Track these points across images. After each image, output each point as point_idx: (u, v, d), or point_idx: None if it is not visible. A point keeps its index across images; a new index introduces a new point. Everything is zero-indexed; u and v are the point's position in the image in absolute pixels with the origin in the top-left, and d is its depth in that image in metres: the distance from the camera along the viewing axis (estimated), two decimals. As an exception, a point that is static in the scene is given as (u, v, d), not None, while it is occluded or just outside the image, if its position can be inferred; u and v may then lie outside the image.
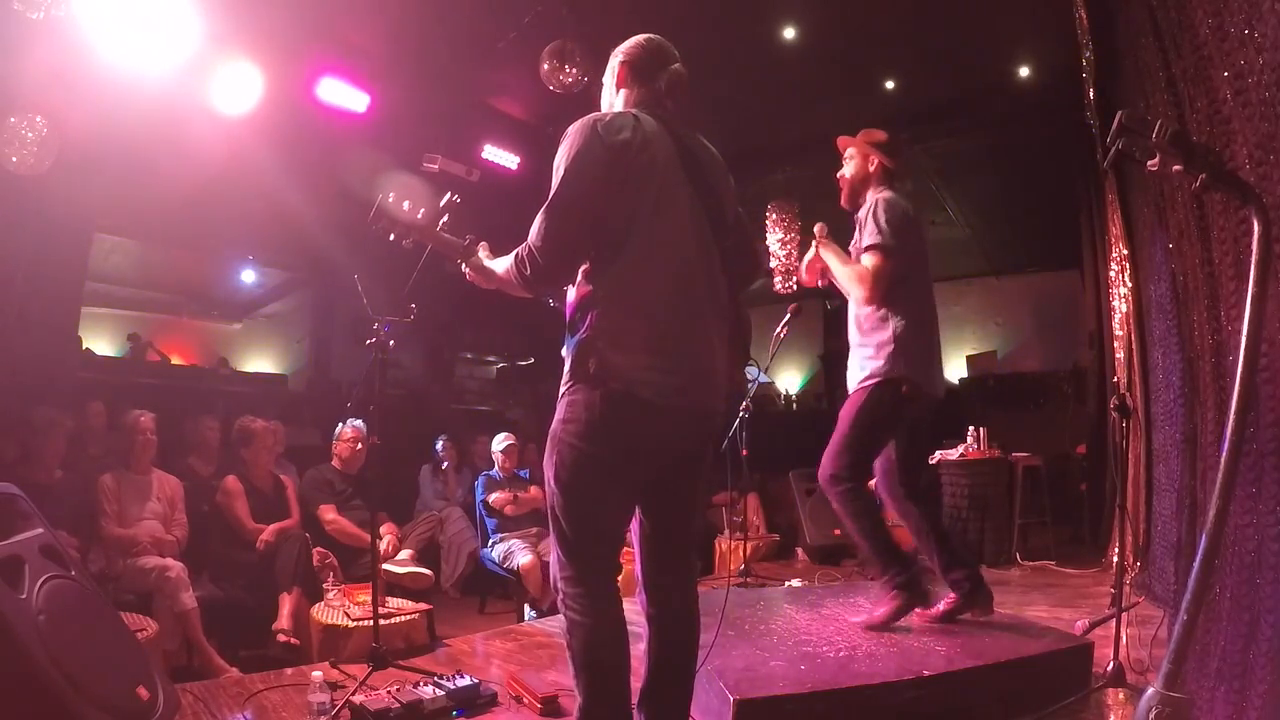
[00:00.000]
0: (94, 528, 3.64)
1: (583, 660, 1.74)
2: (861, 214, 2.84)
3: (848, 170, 2.97)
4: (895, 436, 2.86)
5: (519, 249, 1.82)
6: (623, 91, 1.97)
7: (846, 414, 2.82)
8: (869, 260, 2.74)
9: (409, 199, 2.19)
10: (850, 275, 2.81)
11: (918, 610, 2.80)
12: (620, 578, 1.90)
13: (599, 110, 1.98)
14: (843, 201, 2.99)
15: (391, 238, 2.18)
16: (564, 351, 1.82)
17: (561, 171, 1.76)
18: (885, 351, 2.75)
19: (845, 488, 2.76)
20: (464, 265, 2.10)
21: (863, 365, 2.83)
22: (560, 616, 1.80)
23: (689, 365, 1.77)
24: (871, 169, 2.91)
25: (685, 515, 1.97)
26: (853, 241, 2.92)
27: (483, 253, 2.09)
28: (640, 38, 1.99)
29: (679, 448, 1.84)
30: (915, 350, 2.75)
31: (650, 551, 1.91)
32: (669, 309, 1.76)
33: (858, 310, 2.88)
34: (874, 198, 2.82)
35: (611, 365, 1.71)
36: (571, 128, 1.80)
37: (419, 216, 2.18)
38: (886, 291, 2.73)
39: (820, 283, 3.02)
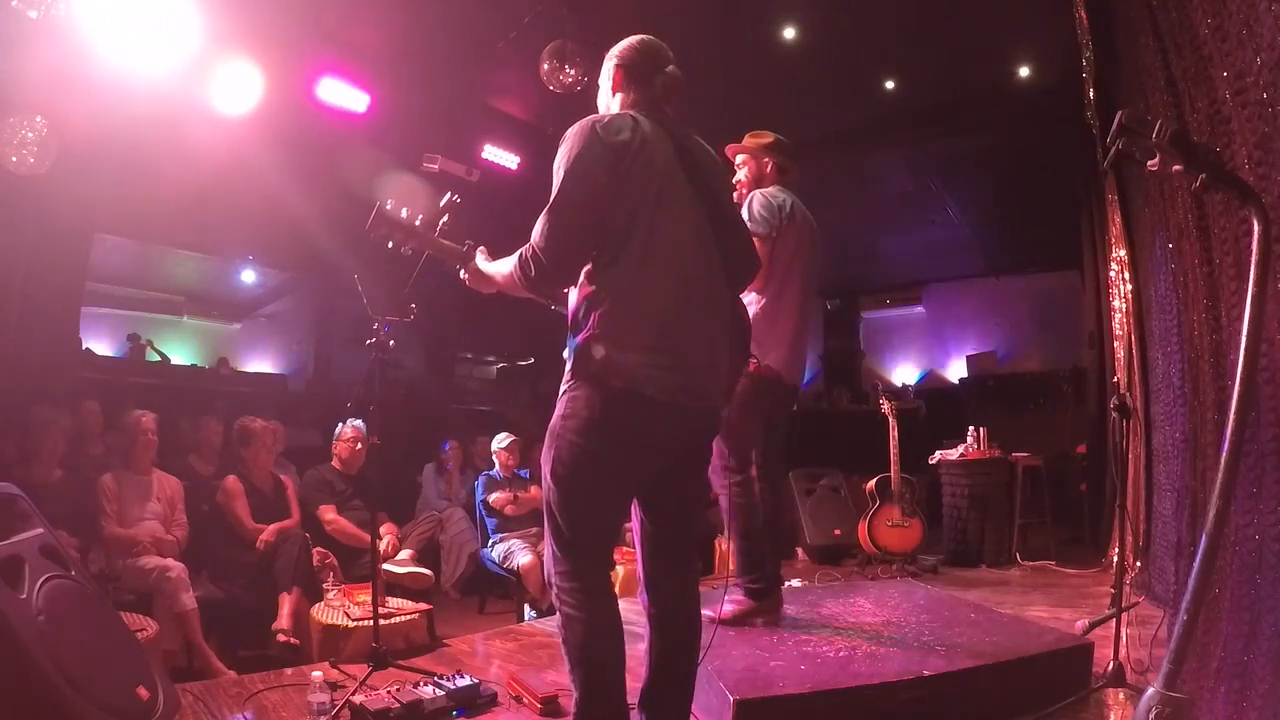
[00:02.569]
0: (94, 528, 3.64)
1: (578, 655, 1.74)
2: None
3: (742, 175, 3.06)
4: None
5: (522, 250, 1.82)
6: (619, 95, 1.98)
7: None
8: None
9: (407, 205, 2.18)
10: None
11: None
12: (621, 578, 1.90)
13: (597, 111, 1.99)
14: (739, 199, 3.01)
15: (390, 245, 2.18)
16: (566, 352, 1.83)
17: (562, 173, 1.76)
18: None
19: (735, 480, 2.81)
20: (463, 271, 2.10)
21: None
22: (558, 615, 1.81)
23: (691, 363, 1.78)
24: (767, 170, 3.04)
25: (686, 514, 1.97)
26: None
27: (481, 258, 2.09)
28: (633, 39, 2.00)
29: (680, 446, 1.85)
30: (769, 336, 2.78)
31: (652, 550, 1.92)
32: (671, 308, 1.77)
33: None
34: (751, 194, 2.92)
35: (615, 363, 1.71)
36: (571, 130, 1.81)
37: (418, 222, 2.17)
38: (768, 274, 2.77)
39: None
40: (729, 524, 2.87)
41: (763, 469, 2.95)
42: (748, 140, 3.08)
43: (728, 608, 2.78)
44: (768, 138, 3.06)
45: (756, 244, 2.63)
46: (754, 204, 2.86)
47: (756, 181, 3.03)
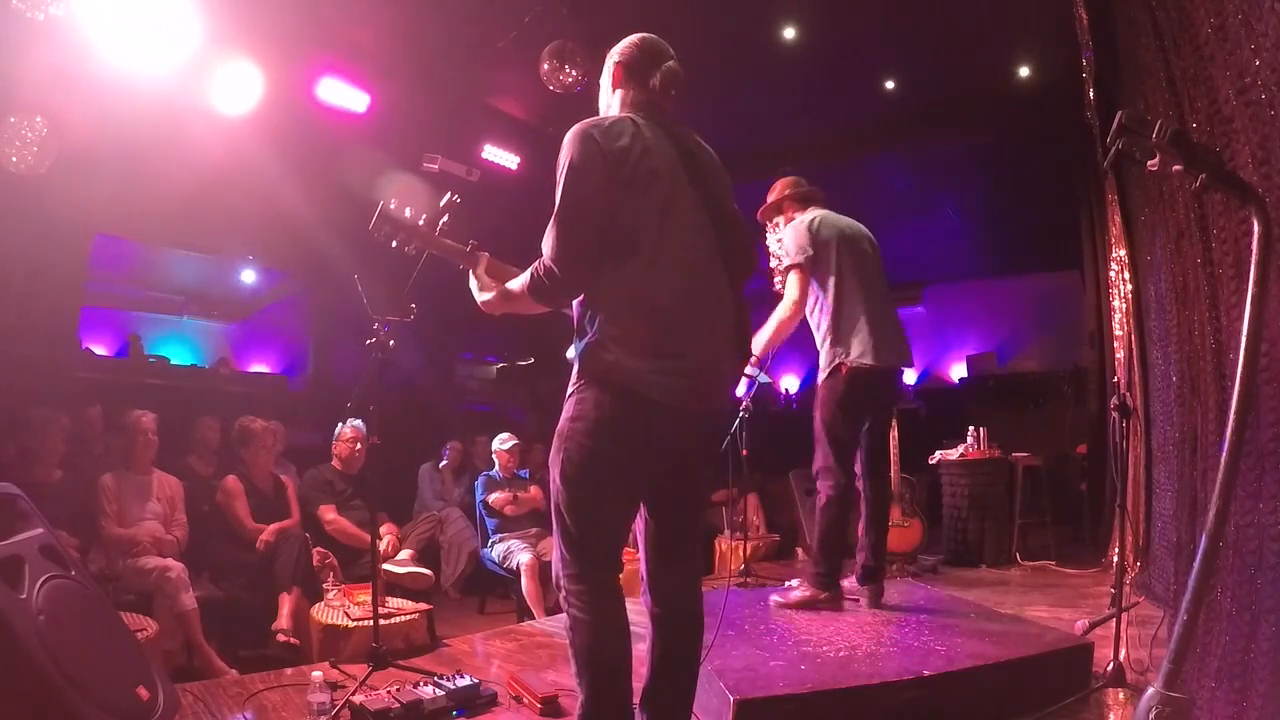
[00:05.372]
0: (94, 528, 3.63)
1: (585, 658, 1.74)
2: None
3: (781, 230, 3.33)
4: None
5: (534, 266, 1.82)
6: (619, 92, 1.97)
7: (816, 410, 3.15)
8: (790, 279, 3.11)
9: (410, 205, 2.18)
10: (777, 315, 3.11)
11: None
12: (622, 577, 1.90)
13: (599, 112, 1.98)
14: None
15: (394, 244, 2.18)
16: (570, 354, 1.83)
17: (563, 182, 1.76)
18: (828, 343, 3.11)
19: (837, 483, 3.07)
20: (477, 293, 2.08)
21: (822, 358, 3.19)
22: (562, 616, 1.80)
23: (696, 366, 1.78)
24: (788, 212, 3.33)
25: (690, 514, 1.97)
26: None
27: (483, 264, 2.10)
28: (634, 37, 1.99)
29: (685, 447, 1.84)
30: (849, 333, 3.05)
31: (655, 550, 1.92)
32: (676, 312, 1.77)
33: (808, 316, 3.23)
34: (784, 229, 3.23)
35: (620, 367, 1.71)
36: (567, 137, 1.80)
37: (421, 222, 2.18)
38: (806, 299, 3.11)
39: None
40: (820, 516, 3.11)
41: (867, 466, 3.21)
42: (770, 195, 3.38)
43: (795, 594, 3.13)
44: (779, 186, 3.36)
45: (795, 275, 3.06)
46: (785, 238, 3.15)
47: (787, 226, 3.27)
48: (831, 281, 3.09)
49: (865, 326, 3.05)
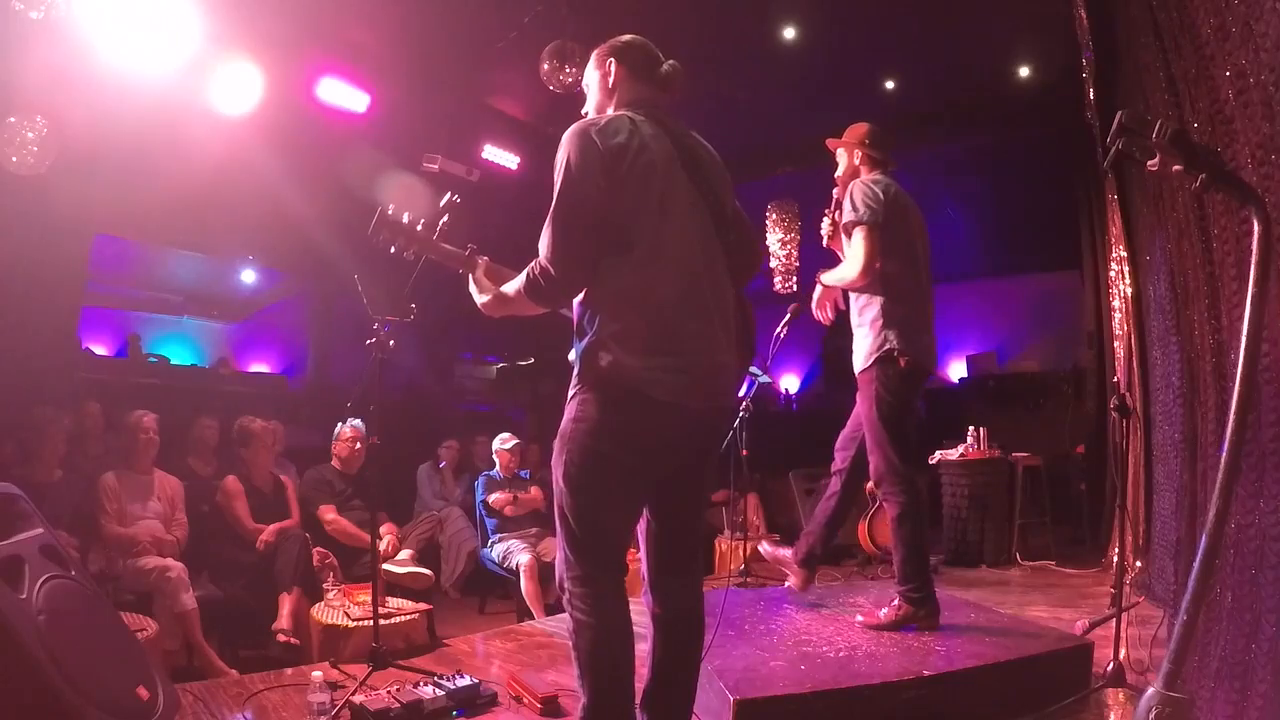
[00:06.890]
0: (94, 527, 3.63)
1: (589, 660, 1.73)
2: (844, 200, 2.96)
3: (840, 169, 3.14)
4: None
5: (530, 267, 1.81)
6: (617, 93, 1.96)
7: (865, 407, 2.86)
8: (855, 237, 2.82)
9: (410, 205, 2.19)
10: (844, 270, 2.88)
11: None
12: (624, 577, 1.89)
13: (589, 111, 1.98)
14: (839, 196, 3.11)
15: (393, 249, 2.18)
16: (572, 355, 1.82)
17: (560, 181, 1.76)
18: (877, 326, 2.83)
19: (905, 486, 2.79)
20: (477, 296, 2.08)
21: (858, 347, 2.92)
22: (562, 616, 1.80)
23: (697, 364, 1.77)
24: (857, 161, 3.06)
25: (692, 515, 1.97)
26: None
27: (481, 267, 2.10)
28: (627, 37, 1.99)
29: (687, 447, 1.84)
30: (903, 323, 2.81)
31: (657, 551, 1.91)
32: (675, 309, 1.76)
33: (852, 298, 3.00)
34: (853, 183, 2.94)
35: (621, 366, 1.71)
36: (565, 136, 1.80)
37: (419, 227, 2.18)
38: (877, 267, 2.80)
39: (829, 318, 3.11)
40: (896, 532, 2.82)
41: (857, 469, 2.99)
42: (845, 133, 3.12)
43: (886, 615, 2.78)
44: (860, 129, 3.09)
45: (861, 233, 2.79)
46: (854, 193, 2.87)
47: (850, 174, 3.07)
48: (894, 260, 2.82)
49: (920, 318, 2.85)
